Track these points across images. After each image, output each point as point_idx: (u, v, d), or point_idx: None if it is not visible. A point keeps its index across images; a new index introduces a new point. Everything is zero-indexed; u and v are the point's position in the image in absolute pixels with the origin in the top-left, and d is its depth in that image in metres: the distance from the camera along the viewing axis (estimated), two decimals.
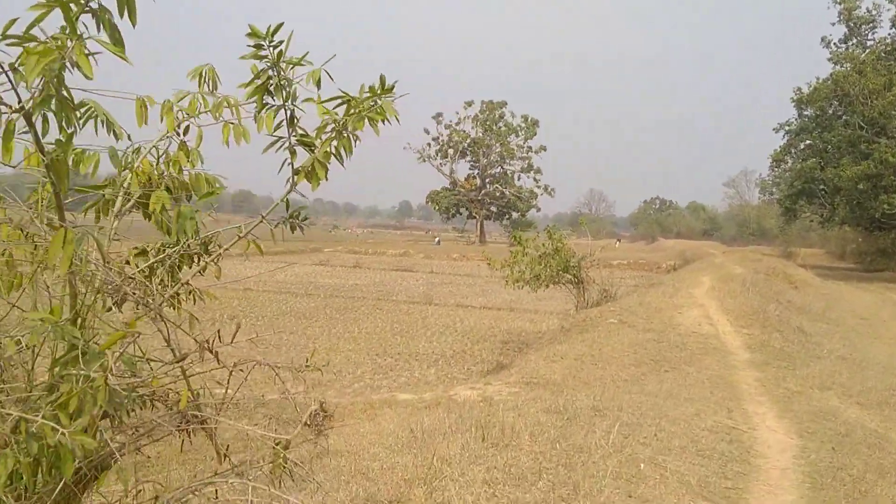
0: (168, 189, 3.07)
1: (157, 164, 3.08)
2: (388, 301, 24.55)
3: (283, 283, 29.58)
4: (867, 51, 41.65)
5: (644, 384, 8.43)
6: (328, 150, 2.94)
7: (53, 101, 2.15)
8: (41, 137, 2.25)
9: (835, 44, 43.60)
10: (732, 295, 15.64)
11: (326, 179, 3.01)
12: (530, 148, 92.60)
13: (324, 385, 11.52)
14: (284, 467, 2.74)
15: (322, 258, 46.88)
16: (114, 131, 2.73)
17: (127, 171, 3.02)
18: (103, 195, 3.01)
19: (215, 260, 3.22)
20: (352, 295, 25.91)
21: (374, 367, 13.23)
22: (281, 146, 2.97)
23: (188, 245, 3.05)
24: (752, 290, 16.88)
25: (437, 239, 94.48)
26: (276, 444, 2.75)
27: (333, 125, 2.92)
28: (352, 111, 2.89)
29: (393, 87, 2.93)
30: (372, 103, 2.88)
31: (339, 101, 2.93)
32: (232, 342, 2.86)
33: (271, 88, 2.87)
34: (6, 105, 2.14)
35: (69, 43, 2.12)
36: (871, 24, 42.07)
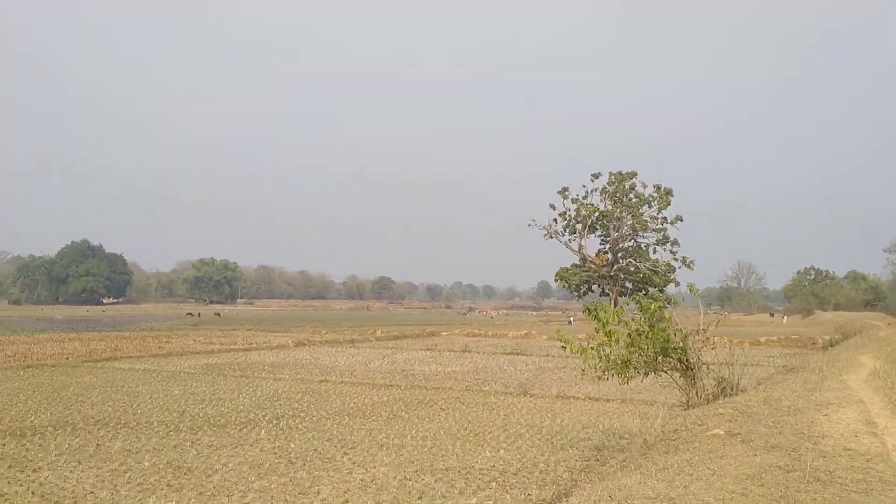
0: None
1: None
2: (477, 392, 21.07)
3: (372, 372, 26.78)
4: None
5: None
6: None
7: None
8: None
9: None
10: None
11: None
12: (665, 219, 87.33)
13: None
14: None
15: (433, 343, 43.97)
16: None
17: None
18: None
19: None
20: (439, 385, 22.64)
21: (397, 494, 9.85)
22: None
23: None
24: None
25: (570, 318, 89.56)
26: None
27: None
28: None
29: None
30: None
31: None
32: None
33: None
34: None
35: None
36: None
